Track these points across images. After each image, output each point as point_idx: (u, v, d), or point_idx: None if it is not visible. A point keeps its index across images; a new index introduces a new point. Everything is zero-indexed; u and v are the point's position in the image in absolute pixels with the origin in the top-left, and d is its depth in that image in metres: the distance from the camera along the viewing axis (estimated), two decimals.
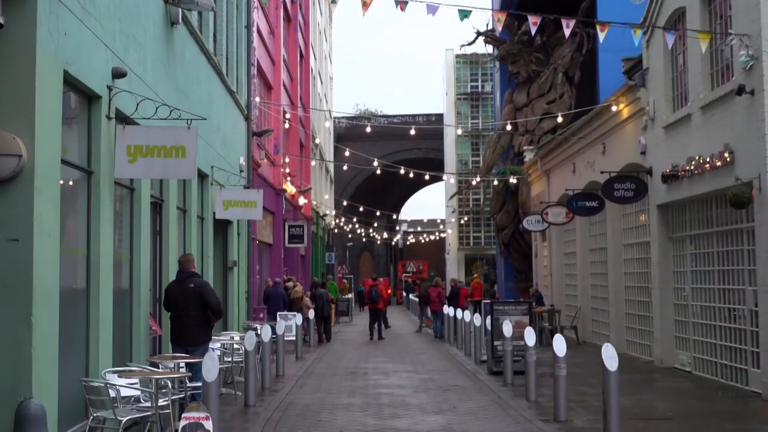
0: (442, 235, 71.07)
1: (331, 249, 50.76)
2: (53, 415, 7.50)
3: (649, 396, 12.81)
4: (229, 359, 13.14)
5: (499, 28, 16.58)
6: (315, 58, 43.88)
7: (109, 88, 9.29)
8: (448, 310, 24.37)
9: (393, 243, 79.92)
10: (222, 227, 17.74)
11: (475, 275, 44.05)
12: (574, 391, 12.42)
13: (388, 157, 55.90)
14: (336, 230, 53.83)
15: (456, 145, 56.17)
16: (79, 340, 8.83)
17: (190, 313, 10.73)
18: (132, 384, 8.48)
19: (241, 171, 19.05)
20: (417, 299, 35.76)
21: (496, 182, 33.05)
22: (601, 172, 18.14)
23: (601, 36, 12.17)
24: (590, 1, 28.61)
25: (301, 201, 33.63)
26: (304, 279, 32.65)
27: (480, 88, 56.81)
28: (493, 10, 32.38)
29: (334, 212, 51.84)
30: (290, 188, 31.00)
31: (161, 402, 8.35)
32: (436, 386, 14.25)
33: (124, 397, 8.45)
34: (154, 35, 11.48)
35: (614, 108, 18.41)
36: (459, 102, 56.49)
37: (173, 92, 12.40)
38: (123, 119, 9.78)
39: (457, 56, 56.07)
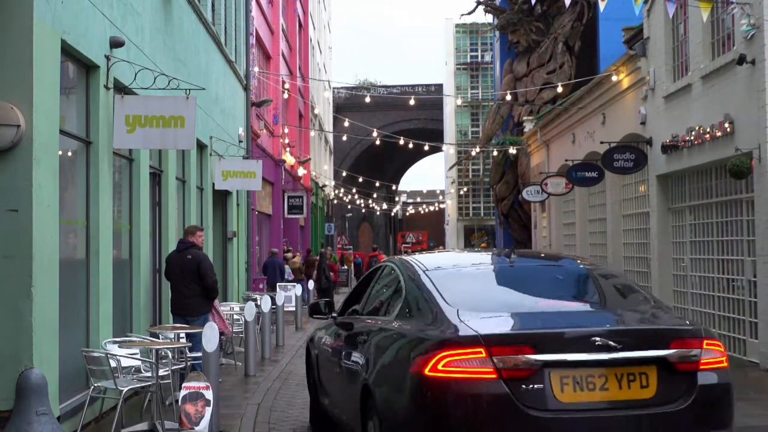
0: (442, 205, 71.17)
1: (330, 220, 50.82)
2: (54, 384, 7.54)
3: None
4: (230, 329, 13.19)
5: None
6: (314, 28, 43.65)
7: (107, 58, 9.24)
8: None
9: (392, 214, 80.00)
10: (221, 198, 17.73)
11: (484, 244, 44.02)
12: None
13: (387, 127, 55.85)
14: (335, 201, 53.86)
15: (455, 115, 56.07)
16: (79, 310, 8.86)
17: (189, 284, 10.71)
18: (132, 354, 8.51)
19: (240, 141, 19.01)
20: None
21: (495, 153, 32.99)
22: (601, 143, 18.10)
23: (602, 5, 12.08)
24: None
25: (301, 171, 33.60)
26: (302, 250, 32.68)
27: (480, 58, 56.61)
28: None
29: (333, 183, 51.83)
30: (289, 159, 30.96)
31: (162, 372, 8.38)
32: None
33: (124, 368, 8.48)
34: (152, 4, 11.41)
35: (614, 78, 18.33)
36: (458, 72, 56.27)
37: (171, 62, 12.34)
38: (121, 89, 9.74)
39: (457, 26, 55.82)
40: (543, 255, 9.09)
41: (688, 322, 5.96)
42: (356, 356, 6.38)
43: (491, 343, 5.01)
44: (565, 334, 5.20)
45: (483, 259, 7.59)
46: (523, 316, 5.58)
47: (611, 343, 5.03)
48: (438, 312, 5.53)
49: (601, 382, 5.03)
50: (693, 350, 5.22)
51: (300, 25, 36.78)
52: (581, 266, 6.80)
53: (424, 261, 6.58)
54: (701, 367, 5.24)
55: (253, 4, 22.73)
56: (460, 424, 4.99)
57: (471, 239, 55.92)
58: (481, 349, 4.99)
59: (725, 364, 5.42)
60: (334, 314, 7.76)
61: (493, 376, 4.95)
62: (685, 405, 5.13)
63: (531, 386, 4.96)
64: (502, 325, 5.40)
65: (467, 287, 6.07)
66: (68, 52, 8.26)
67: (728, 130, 12.71)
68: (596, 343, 5.03)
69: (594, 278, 6.51)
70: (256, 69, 23.85)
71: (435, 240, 74.29)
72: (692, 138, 14.07)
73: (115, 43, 9.35)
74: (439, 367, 5.02)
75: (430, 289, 5.84)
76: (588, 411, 5.03)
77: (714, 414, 5.27)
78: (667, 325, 5.60)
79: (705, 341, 5.32)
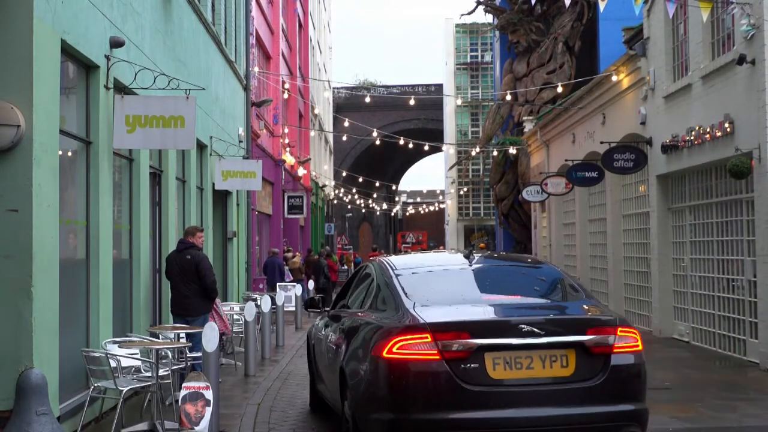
0: (442, 205, 71.15)
1: (330, 220, 50.83)
2: (54, 384, 7.54)
3: (647, 366, 12.85)
4: (230, 329, 13.18)
5: None
6: (314, 28, 43.65)
7: (107, 58, 9.24)
8: None
9: (392, 214, 79.99)
10: (221, 198, 17.73)
11: (482, 245, 44.04)
12: None
13: (387, 127, 55.87)
14: (335, 201, 53.86)
15: (455, 115, 56.04)
16: (79, 310, 8.85)
17: (189, 285, 10.71)
18: (132, 354, 8.51)
19: (240, 141, 19.01)
20: None
21: (495, 153, 32.99)
22: (601, 143, 18.10)
23: (602, 5, 12.08)
24: None
25: (301, 171, 33.60)
26: (302, 250, 32.67)
27: (480, 58, 56.58)
28: None
29: (333, 183, 51.83)
30: (289, 159, 30.96)
31: (161, 372, 8.38)
32: None
33: (124, 368, 8.48)
34: (152, 4, 11.41)
35: (614, 78, 18.32)
36: (458, 72, 56.26)
37: (171, 62, 12.34)
38: (121, 89, 9.74)
39: (457, 26, 55.79)
40: (500, 256, 10.26)
41: (608, 313, 6.70)
42: (338, 343, 7.42)
43: (436, 330, 6.01)
44: (497, 322, 6.31)
45: (447, 260, 8.47)
46: (466, 307, 6.56)
47: (536, 330, 6.03)
48: (399, 305, 6.60)
49: (527, 362, 6.01)
50: (608, 336, 6.17)
51: (300, 25, 36.78)
52: (529, 266, 8.18)
53: (395, 262, 7.68)
54: (615, 350, 6.17)
55: (253, 4, 22.73)
56: (410, 397, 5.98)
57: (471, 239, 55.90)
58: (428, 335, 6.00)
59: (639, 348, 6.35)
60: (327, 308, 8.86)
61: (437, 357, 5.93)
62: (599, 381, 6.07)
63: (468, 365, 5.94)
64: (446, 315, 6.33)
65: (427, 284, 7.08)
66: (68, 52, 8.26)
67: (728, 130, 12.71)
68: (523, 330, 6.02)
69: (535, 276, 7.68)
70: (256, 69, 23.85)
71: (435, 240, 74.30)
72: (692, 138, 14.07)
73: (115, 43, 9.34)
74: (394, 350, 6.03)
75: (395, 286, 6.91)
76: (515, 386, 6.01)
77: (625, 390, 6.21)
78: (585, 315, 6.54)
79: (619, 329, 6.25)
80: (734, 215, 13.48)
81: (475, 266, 7.54)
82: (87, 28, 8.60)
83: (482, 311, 6.56)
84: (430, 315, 6.24)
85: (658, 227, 16.50)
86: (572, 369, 6.04)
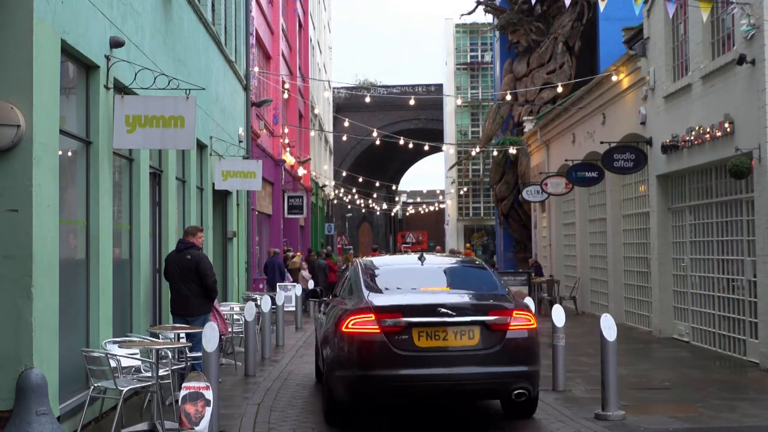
0: (442, 205, 71.13)
1: (330, 220, 50.81)
2: (54, 384, 7.54)
3: (647, 366, 12.88)
4: (229, 330, 13.18)
5: None
6: (314, 28, 43.65)
7: (107, 58, 9.24)
8: None
9: (392, 214, 79.97)
10: (221, 198, 17.73)
11: (468, 245, 44.01)
12: (573, 362, 12.49)
13: (387, 127, 55.87)
14: (335, 201, 53.85)
15: (455, 115, 56.02)
16: (79, 310, 8.85)
17: (189, 285, 10.70)
18: (132, 354, 8.51)
19: (240, 141, 19.01)
20: None
21: (495, 153, 32.98)
22: (601, 143, 18.10)
23: (602, 5, 12.08)
24: None
25: (301, 171, 33.60)
26: (302, 250, 32.67)
27: (479, 58, 56.56)
28: None
29: (333, 183, 51.82)
30: (289, 159, 30.95)
31: (162, 372, 8.39)
32: None
33: (124, 368, 8.48)
34: (152, 4, 11.40)
35: (614, 78, 18.33)
36: (458, 72, 56.26)
37: (171, 62, 12.34)
38: (121, 89, 9.74)
39: (457, 26, 55.77)
40: (446, 258, 12.21)
41: (509, 301, 8.58)
42: (322, 323, 9.91)
43: (377, 311, 8.11)
44: (423, 306, 8.31)
45: (405, 261, 11.17)
46: (405, 295, 8.83)
47: (451, 312, 8.09)
48: (359, 293, 8.76)
49: (443, 335, 8.08)
50: (505, 318, 8.21)
51: (300, 25, 36.78)
52: (465, 265, 10.42)
53: (364, 262, 9.87)
54: (510, 327, 8.19)
55: (253, 4, 22.73)
56: (359, 359, 8.03)
57: (471, 239, 55.89)
58: (372, 315, 8.09)
59: (532, 326, 8.34)
60: (325, 298, 10.88)
61: (378, 331, 8.02)
62: (497, 349, 8.12)
63: (401, 337, 8.01)
64: (388, 300, 8.49)
65: (383, 279, 9.32)
66: (68, 52, 8.26)
67: (728, 130, 12.71)
68: (441, 312, 8.07)
69: (467, 273, 9.94)
70: (256, 69, 23.85)
71: (435, 240, 74.25)
72: (692, 138, 14.07)
73: (115, 43, 9.34)
74: (349, 326, 8.16)
75: (360, 279, 9.04)
76: (434, 352, 8.06)
77: (518, 356, 8.19)
78: (489, 302, 8.60)
79: (515, 312, 8.29)
80: (734, 215, 13.48)
81: (424, 266, 9.73)
82: (87, 28, 8.60)
83: (415, 298, 8.68)
84: (376, 300, 8.37)
85: (658, 227, 16.50)
86: (477, 340, 8.11)
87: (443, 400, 9.03)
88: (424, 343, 8.02)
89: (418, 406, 9.30)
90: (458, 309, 8.21)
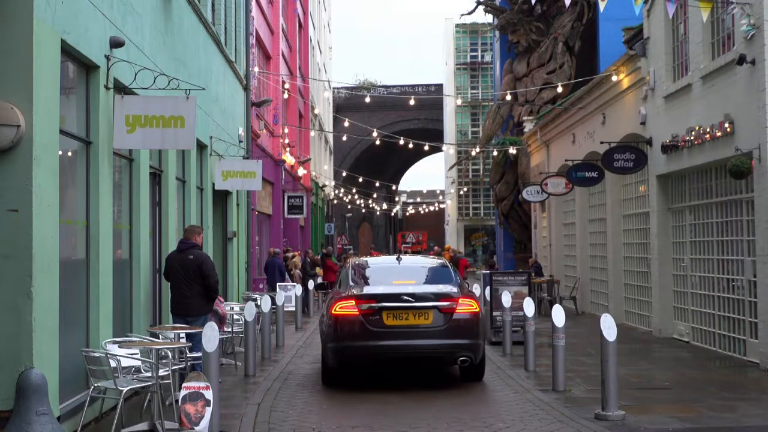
0: (442, 205, 71.15)
1: (330, 220, 50.81)
2: (54, 384, 7.54)
3: (647, 366, 12.87)
4: (230, 330, 13.18)
5: None
6: (314, 28, 43.65)
7: (107, 58, 9.24)
8: None
9: (392, 214, 79.95)
10: (221, 198, 17.73)
11: (447, 245, 43.96)
12: (573, 362, 12.49)
13: (387, 127, 55.90)
14: (335, 201, 53.85)
15: (455, 115, 56.06)
16: (79, 310, 8.85)
17: (191, 285, 10.69)
18: (132, 354, 8.51)
19: (240, 141, 19.00)
20: None
21: (495, 153, 32.98)
22: (601, 143, 18.10)
23: (602, 5, 12.07)
24: None
25: (301, 172, 33.59)
26: (302, 250, 32.66)
27: (480, 58, 56.61)
28: None
29: (333, 183, 51.82)
30: (289, 159, 30.95)
31: (162, 372, 8.38)
32: None
33: (124, 368, 8.47)
34: (152, 4, 11.40)
35: (614, 78, 18.33)
36: (458, 72, 56.25)
37: (171, 62, 12.34)
38: (121, 89, 9.74)
39: (457, 26, 55.83)
40: (417, 258, 14.61)
41: (457, 291, 11.11)
42: (323, 308, 12.56)
43: (357, 298, 10.79)
44: (391, 294, 10.81)
45: (386, 260, 13.95)
46: (379, 287, 11.24)
47: (411, 299, 10.68)
48: (346, 285, 11.47)
49: (405, 316, 10.67)
50: (453, 303, 10.79)
51: (300, 25, 36.78)
52: (431, 264, 12.73)
53: (355, 261, 12.92)
54: (456, 311, 10.74)
55: (253, 4, 22.73)
56: (343, 334, 10.67)
57: (471, 239, 55.90)
58: (353, 301, 10.74)
59: (475, 310, 10.91)
60: (329, 290, 13.58)
61: (357, 313, 10.65)
62: (445, 327, 10.69)
63: (374, 317, 10.62)
64: (366, 290, 11.16)
65: (366, 274, 12.22)
66: (68, 52, 8.26)
67: (728, 130, 12.71)
68: (404, 299, 10.68)
69: (432, 270, 12.34)
70: (256, 69, 23.84)
71: (435, 240, 74.23)
72: (692, 138, 14.06)
73: (115, 43, 9.34)
74: (337, 309, 10.78)
75: (349, 274, 11.90)
76: (398, 328, 10.65)
77: (462, 332, 10.73)
78: (441, 291, 11.05)
79: (460, 299, 10.86)
80: (734, 215, 13.48)
81: (400, 264, 12.41)
82: (87, 28, 8.60)
83: (386, 289, 11.05)
84: (356, 291, 11.07)
85: (658, 227, 16.50)
86: (431, 320, 10.69)
87: (406, 364, 11.44)
88: (391, 322, 10.64)
89: (387, 368, 11.74)
90: (417, 297, 10.74)
